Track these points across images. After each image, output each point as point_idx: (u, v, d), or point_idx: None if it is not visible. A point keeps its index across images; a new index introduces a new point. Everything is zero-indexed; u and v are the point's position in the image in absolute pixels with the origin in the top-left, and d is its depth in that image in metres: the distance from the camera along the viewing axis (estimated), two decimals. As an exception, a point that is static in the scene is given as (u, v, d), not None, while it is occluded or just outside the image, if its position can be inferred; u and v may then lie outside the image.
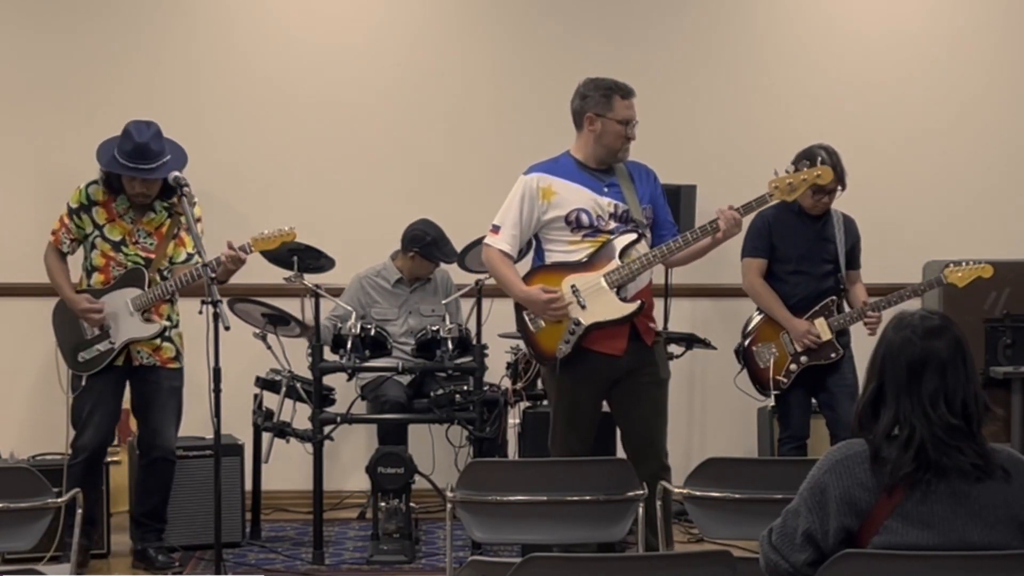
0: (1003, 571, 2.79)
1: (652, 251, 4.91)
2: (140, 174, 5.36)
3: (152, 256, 5.49)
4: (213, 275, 5.05)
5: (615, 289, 4.89)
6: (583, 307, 4.89)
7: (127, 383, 5.60)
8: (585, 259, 4.92)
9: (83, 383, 5.50)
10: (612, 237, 4.91)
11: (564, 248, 4.96)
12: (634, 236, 4.92)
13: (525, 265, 5.20)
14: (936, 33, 7.34)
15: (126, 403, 5.72)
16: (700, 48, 7.21)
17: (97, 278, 5.52)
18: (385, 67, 7.10)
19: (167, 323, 5.54)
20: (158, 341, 5.51)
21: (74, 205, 5.53)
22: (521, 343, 6.16)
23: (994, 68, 7.36)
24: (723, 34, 7.25)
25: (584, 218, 4.92)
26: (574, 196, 4.94)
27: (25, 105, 6.91)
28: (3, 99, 6.92)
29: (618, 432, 5.34)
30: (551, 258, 5.00)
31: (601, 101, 4.97)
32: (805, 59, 7.28)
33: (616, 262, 4.89)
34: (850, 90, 7.26)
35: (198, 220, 5.52)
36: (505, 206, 5.04)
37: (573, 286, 4.90)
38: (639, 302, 4.91)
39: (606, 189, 4.97)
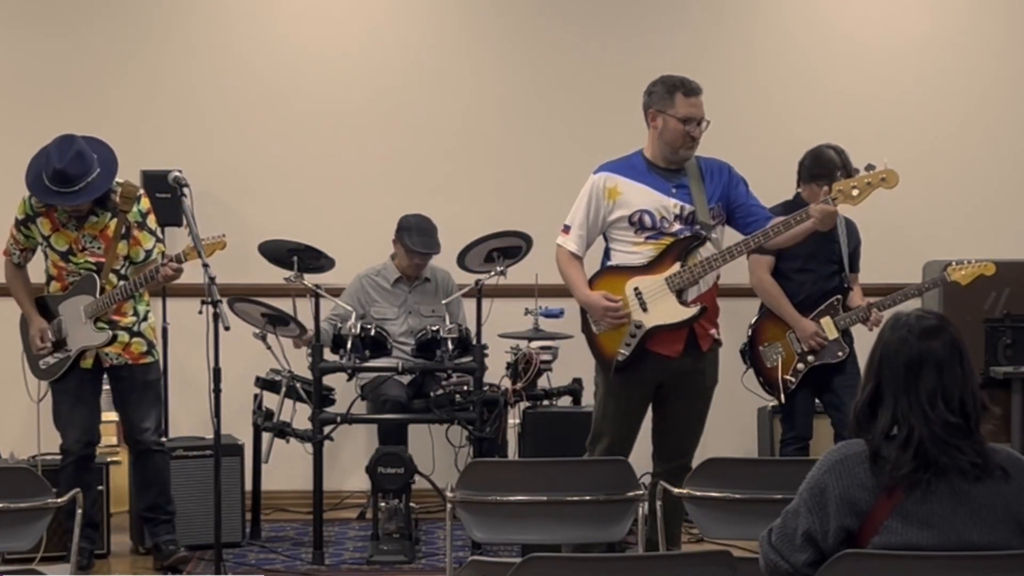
0: (1003, 571, 2.79)
1: (713, 255, 4.87)
2: (62, 200, 5.27)
3: (102, 260, 5.45)
4: (213, 276, 5.04)
5: (676, 292, 4.88)
6: (645, 310, 4.89)
7: (103, 382, 5.61)
8: (649, 262, 4.90)
9: (51, 388, 5.53)
10: (678, 239, 4.89)
11: (628, 249, 4.95)
12: (698, 240, 4.90)
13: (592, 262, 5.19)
14: (937, 36, 7.34)
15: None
16: (702, 53, 7.19)
17: (54, 286, 5.53)
18: (386, 68, 7.10)
19: (132, 318, 5.50)
20: (127, 338, 5.49)
21: (20, 217, 5.50)
22: (520, 343, 6.19)
23: (995, 72, 7.36)
24: (725, 40, 7.25)
25: (647, 219, 4.91)
26: (639, 197, 4.93)
27: (25, 106, 6.91)
28: (2, 99, 6.92)
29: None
30: (615, 259, 4.99)
31: (664, 97, 4.95)
32: (805, 64, 7.27)
33: (678, 265, 4.88)
34: (851, 93, 7.26)
35: (149, 212, 5.50)
36: (575, 206, 5.04)
37: (636, 288, 4.90)
38: (699, 306, 4.90)
39: (674, 190, 4.94)
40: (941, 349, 2.88)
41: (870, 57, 7.30)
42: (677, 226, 4.91)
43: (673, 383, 4.98)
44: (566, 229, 5.05)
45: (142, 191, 5.53)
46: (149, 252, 5.50)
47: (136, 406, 5.54)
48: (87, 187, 5.25)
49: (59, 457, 6.09)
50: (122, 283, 5.43)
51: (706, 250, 4.91)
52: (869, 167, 4.82)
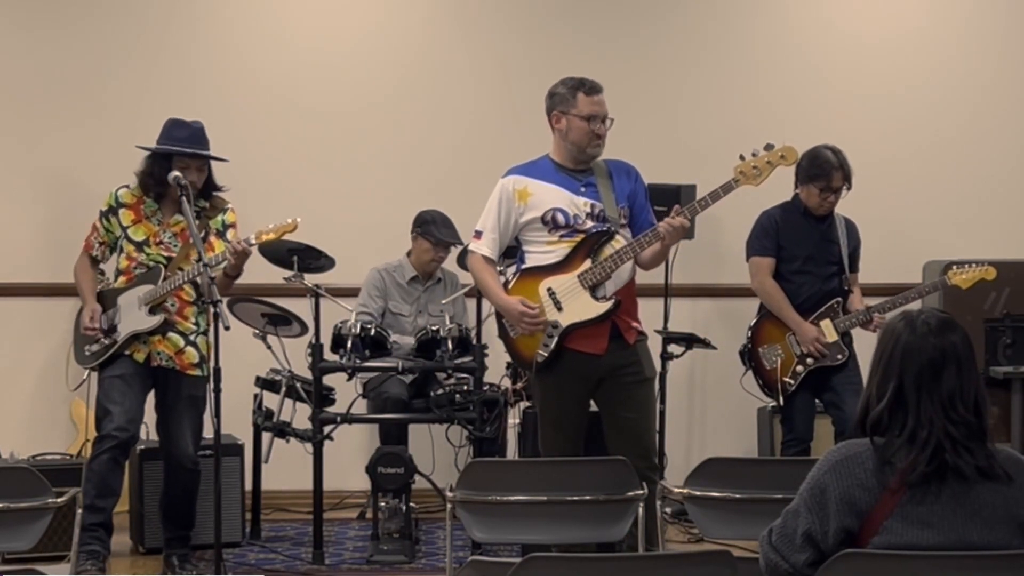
0: (1003, 571, 2.79)
1: (623, 248, 4.88)
2: (201, 156, 5.42)
3: (173, 256, 5.45)
4: (212, 276, 5.04)
5: (590, 288, 4.88)
6: (560, 309, 4.90)
7: (152, 384, 5.51)
8: (561, 260, 4.92)
9: (100, 376, 5.45)
10: (587, 236, 4.90)
11: (542, 249, 4.96)
12: (607, 235, 4.91)
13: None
14: (937, 33, 7.35)
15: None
16: (701, 47, 7.21)
17: (121, 280, 5.51)
18: (386, 68, 7.10)
19: (192, 326, 5.46)
20: (181, 343, 5.45)
21: (104, 208, 5.53)
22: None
23: (994, 70, 7.37)
24: (725, 34, 7.26)
25: (560, 217, 4.92)
26: (550, 196, 4.94)
27: (23, 105, 6.90)
28: (2, 99, 6.91)
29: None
30: (529, 261, 5.00)
31: (566, 98, 4.98)
32: (805, 60, 7.28)
33: (589, 262, 4.89)
34: (850, 90, 7.27)
35: (232, 226, 5.52)
36: (485, 211, 5.06)
37: (549, 288, 4.91)
38: (614, 300, 4.89)
39: (583, 189, 4.96)
40: (961, 345, 2.88)
41: (870, 56, 7.30)
42: (590, 223, 4.92)
43: (611, 382, 4.96)
44: (478, 235, 5.05)
45: (231, 206, 5.57)
46: (220, 256, 5.44)
47: (176, 421, 5.46)
48: (211, 153, 5.48)
49: (59, 457, 6.10)
50: (184, 271, 5.35)
51: (616, 245, 4.91)
52: (768, 146, 4.83)
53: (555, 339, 4.89)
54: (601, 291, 4.90)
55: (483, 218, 5.06)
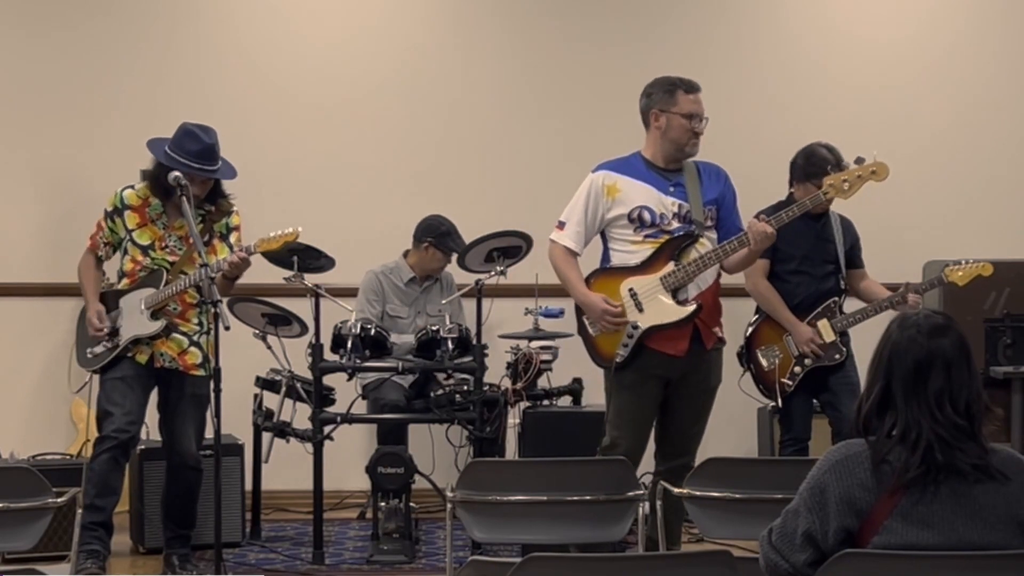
0: (1003, 571, 2.79)
1: (707, 254, 4.89)
2: (207, 175, 5.37)
3: (176, 259, 5.44)
4: (212, 277, 5.04)
5: (671, 291, 4.89)
6: (640, 310, 4.90)
7: (155, 385, 5.50)
8: (644, 261, 4.92)
9: (103, 377, 5.44)
10: (671, 238, 4.92)
11: (627, 249, 4.97)
12: (692, 238, 4.92)
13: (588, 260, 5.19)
14: (936, 34, 7.36)
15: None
16: (700, 49, 7.20)
17: (124, 283, 5.50)
18: (386, 68, 7.10)
19: (196, 327, 5.45)
20: (185, 344, 5.43)
21: (109, 208, 5.50)
22: (520, 343, 6.19)
23: (994, 69, 7.38)
24: (724, 36, 7.26)
25: (647, 216, 4.93)
26: (638, 194, 4.95)
27: (25, 105, 6.91)
28: (2, 99, 6.92)
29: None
30: (613, 259, 5.01)
31: (664, 97, 5.00)
32: (805, 60, 7.29)
33: (672, 264, 4.89)
34: (850, 90, 7.27)
35: (236, 229, 5.52)
36: (572, 203, 5.05)
37: (631, 289, 4.92)
38: (695, 305, 4.90)
39: (672, 189, 4.96)
40: (950, 348, 2.88)
41: (870, 55, 7.31)
42: (675, 224, 4.94)
43: (679, 382, 5.00)
44: (561, 225, 5.06)
45: (236, 209, 5.56)
46: (220, 264, 5.43)
47: (179, 419, 5.45)
48: (224, 166, 5.44)
49: (59, 457, 6.11)
50: (187, 275, 5.35)
51: (701, 248, 4.92)
52: (859, 160, 4.87)
53: (634, 339, 4.90)
54: (683, 294, 4.92)
55: (568, 210, 5.06)
